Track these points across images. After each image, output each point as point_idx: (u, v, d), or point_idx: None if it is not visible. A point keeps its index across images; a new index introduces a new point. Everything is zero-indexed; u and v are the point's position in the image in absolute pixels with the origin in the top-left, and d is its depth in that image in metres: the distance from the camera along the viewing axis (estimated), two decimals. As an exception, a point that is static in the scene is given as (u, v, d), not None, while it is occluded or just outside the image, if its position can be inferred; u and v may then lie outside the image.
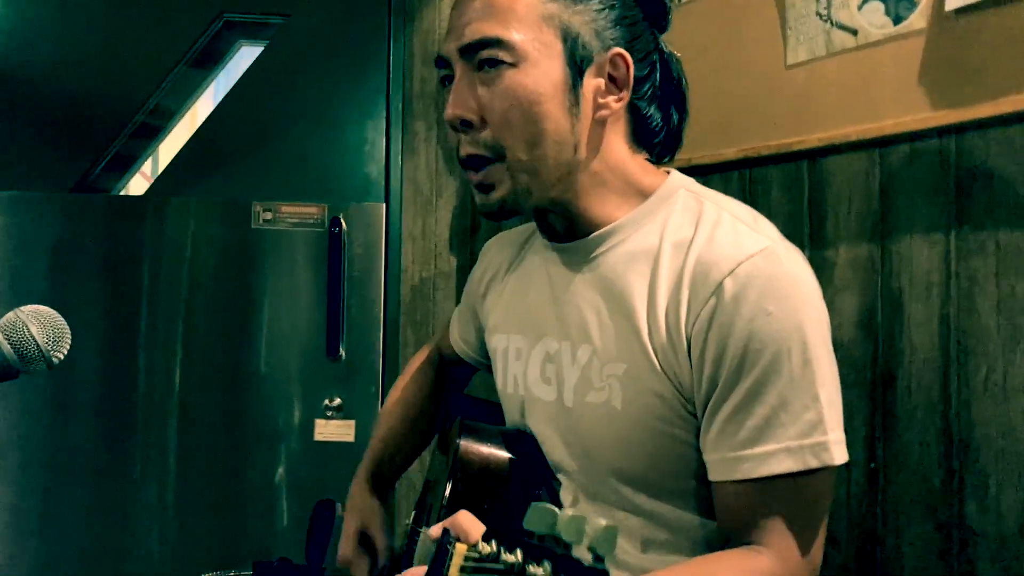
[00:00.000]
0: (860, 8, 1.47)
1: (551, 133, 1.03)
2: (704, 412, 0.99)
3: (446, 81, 1.09)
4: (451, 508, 1.09)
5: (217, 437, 2.44)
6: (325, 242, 2.45)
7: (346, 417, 2.45)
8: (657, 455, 1.03)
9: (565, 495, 1.11)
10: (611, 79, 1.06)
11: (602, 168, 1.08)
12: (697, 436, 1.01)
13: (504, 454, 1.14)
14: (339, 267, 2.44)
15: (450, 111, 1.04)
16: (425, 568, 0.87)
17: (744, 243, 0.98)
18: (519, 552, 0.63)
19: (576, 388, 1.08)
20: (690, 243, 1.01)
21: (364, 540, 1.33)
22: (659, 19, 1.12)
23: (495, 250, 1.35)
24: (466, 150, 1.06)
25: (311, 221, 2.46)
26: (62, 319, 0.87)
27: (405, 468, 1.48)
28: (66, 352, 0.87)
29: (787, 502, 0.95)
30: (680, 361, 0.99)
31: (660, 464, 1.03)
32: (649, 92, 1.11)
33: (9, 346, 0.84)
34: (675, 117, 1.15)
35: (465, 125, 1.04)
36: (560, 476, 1.13)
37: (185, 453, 2.44)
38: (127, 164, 2.55)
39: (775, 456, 0.95)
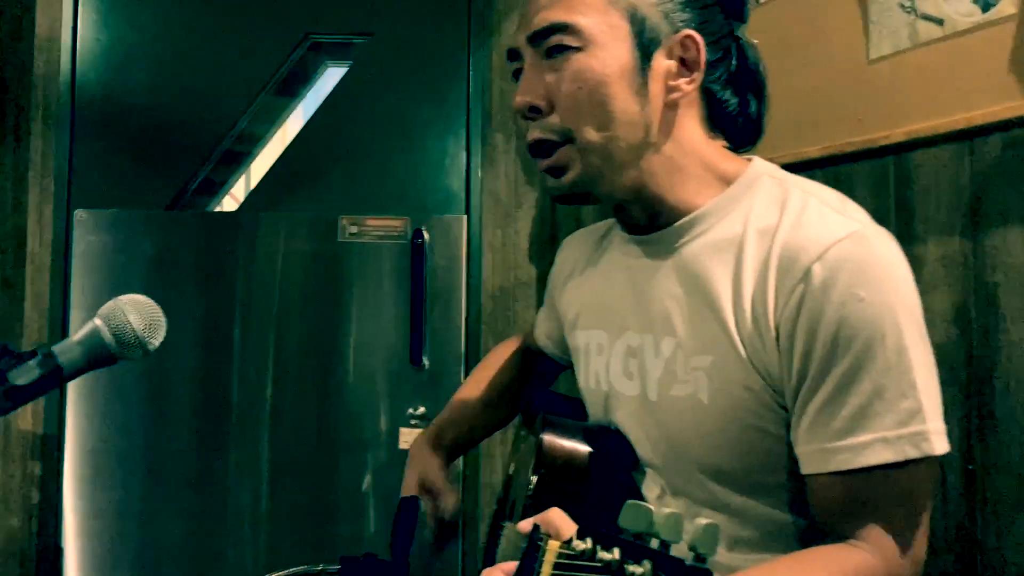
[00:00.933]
0: (946, -3, 1.43)
1: (619, 115, 1.02)
2: (795, 403, 0.96)
3: (517, 74, 1.10)
4: (535, 502, 1.08)
5: (307, 445, 2.50)
6: (408, 254, 2.49)
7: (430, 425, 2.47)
8: (745, 449, 1.00)
9: (650, 491, 1.10)
10: (682, 62, 1.05)
11: (677, 152, 1.06)
12: (787, 429, 0.98)
13: (586, 449, 1.13)
14: (421, 278, 2.48)
15: (519, 98, 1.04)
16: (515, 564, 0.87)
17: (832, 227, 0.95)
18: (616, 551, 0.62)
19: (660, 381, 1.06)
20: (775, 230, 0.98)
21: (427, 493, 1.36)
22: (733, 6, 1.11)
23: (572, 247, 1.35)
24: (534, 135, 1.05)
25: (395, 234, 2.51)
26: (159, 309, 0.91)
27: (470, 443, 1.47)
28: (161, 340, 0.91)
29: (885, 495, 0.92)
30: (768, 351, 0.97)
31: (748, 459, 1.01)
32: (724, 76, 1.10)
33: (109, 332, 0.88)
34: (753, 104, 1.13)
35: (534, 111, 1.04)
36: (650, 471, 1.11)
37: (277, 460, 2.50)
38: (219, 183, 2.65)
39: (871, 447, 0.91)
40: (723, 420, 1.00)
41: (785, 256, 0.96)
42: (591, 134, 1.02)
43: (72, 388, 2.48)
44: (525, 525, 0.86)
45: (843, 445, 0.92)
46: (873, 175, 1.57)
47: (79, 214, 2.50)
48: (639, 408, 1.10)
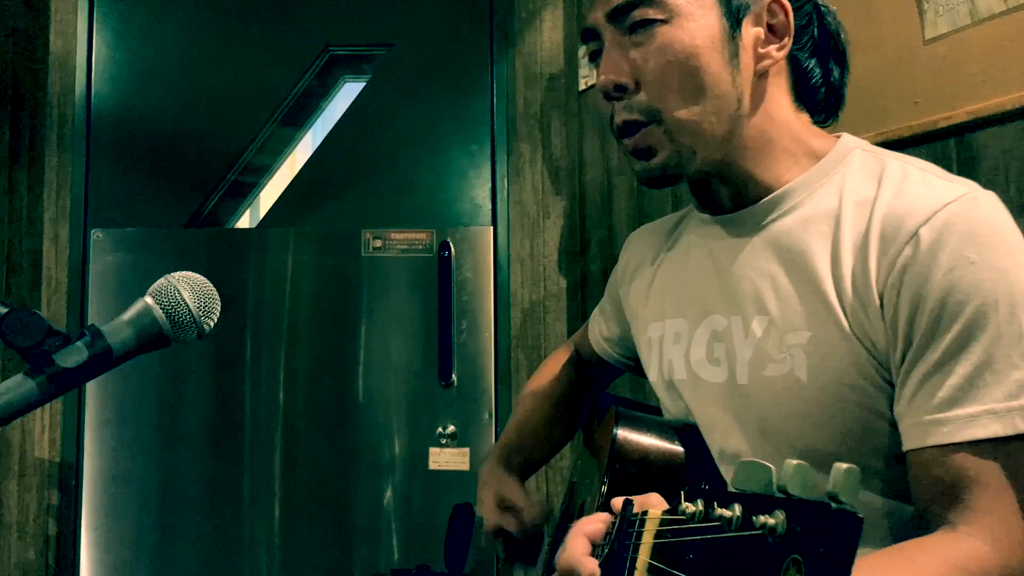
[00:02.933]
0: (1008, -31, 1.38)
1: (711, 87, 0.97)
2: (899, 373, 0.90)
3: (594, 56, 1.04)
4: (609, 499, 1.02)
5: (331, 467, 2.42)
6: (434, 267, 2.43)
7: (460, 445, 2.39)
8: (846, 429, 0.93)
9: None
10: (770, 28, 1.01)
11: (767, 125, 1.02)
12: (892, 407, 0.91)
13: (664, 444, 1.06)
14: (449, 292, 2.41)
15: (603, 77, 0.99)
16: (599, 527, 0.80)
17: (940, 191, 0.90)
18: (737, 507, 0.55)
19: (752, 363, 0.99)
20: (874, 201, 0.93)
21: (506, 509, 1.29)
22: None
23: (639, 241, 1.29)
24: (621, 116, 1.00)
25: (420, 247, 2.44)
26: (212, 286, 0.84)
27: (537, 464, 1.40)
28: (216, 320, 0.84)
29: (995, 472, 0.84)
30: (872, 321, 0.90)
31: (848, 439, 0.94)
32: (809, 44, 1.05)
33: (161, 311, 0.81)
34: (835, 72, 1.08)
35: (619, 90, 0.99)
36: (725, 466, 1.04)
37: (299, 483, 2.42)
38: (238, 199, 2.59)
39: (978, 419, 0.84)
40: (823, 398, 0.94)
41: (889, 224, 0.91)
42: (680, 112, 0.97)
43: (89, 413, 2.40)
44: (617, 502, 0.81)
45: (948, 416, 0.85)
46: (934, 157, 1.50)
47: (96, 234, 2.44)
48: (726, 394, 1.03)
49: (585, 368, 1.44)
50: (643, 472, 1.06)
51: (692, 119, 0.97)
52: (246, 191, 2.60)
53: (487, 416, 2.41)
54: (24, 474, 2.39)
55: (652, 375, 1.17)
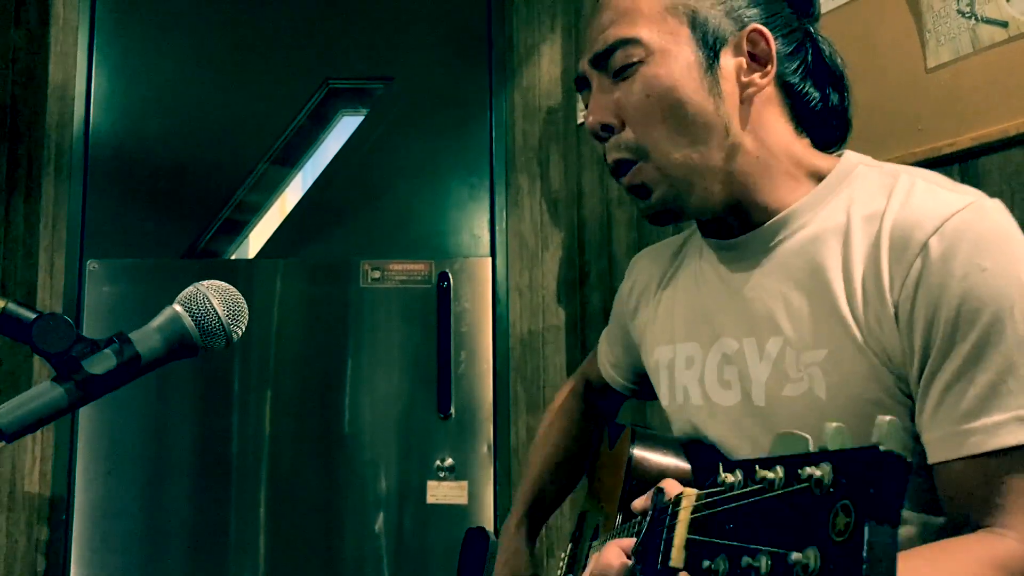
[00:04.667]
0: (1009, 0, 1.41)
1: (694, 117, 0.99)
2: (918, 385, 0.90)
3: (587, 101, 1.06)
4: (627, 518, 1.01)
5: (325, 501, 2.38)
6: (432, 298, 2.42)
7: (459, 478, 2.37)
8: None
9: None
10: (752, 57, 1.03)
11: (763, 151, 1.02)
12: (913, 420, 0.91)
13: (681, 463, 1.06)
14: (448, 323, 2.40)
15: (590, 118, 1.02)
16: (631, 539, 0.80)
17: (947, 200, 0.90)
18: (779, 468, 0.54)
19: (768, 384, 0.99)
20: (883, 213, 0.93)
21: None
22: (800, 3, 1.09)
23: (644, 263, 1.29)
24: (612, 156, 1.02)
25: (418, 278, 2.44)
26: (239, 294, 0.83)
27: (556, 507, 1.41)
28: (244, 329, 0.83)
29: None
30: (887, 334, 0.90)
31: None
32: (801, 68, 1.06)
33: (191, 319, 0.80)
34: (834, 97, 1.09)
35: (606, 130, 1.02)
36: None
37: (290, 518, 2.37)
38: (236, 230, 2.58)
39: (1005, 426, 0.84)
40: (843, 415, 0.93)
41: (898, 234, 0.91)
42: (666, 145, 0.99)
43: (80, 447, 2.36)
44: (640, 501, 0.81)
45: (975, 427, 0.85)
46: (938, 184, 1.52)
47: (91, 264, 2.42)
48: (742, 416, 1.03)
49: (594, 396, 1.44)
50: (659, 489, 1.05)
51: (679, 150, 0.99)
52: (244, 222, 2.59)
53: (486, 448, 2.39)
54: (13, 508, 2.34)
55: (663, 399, 1.17)
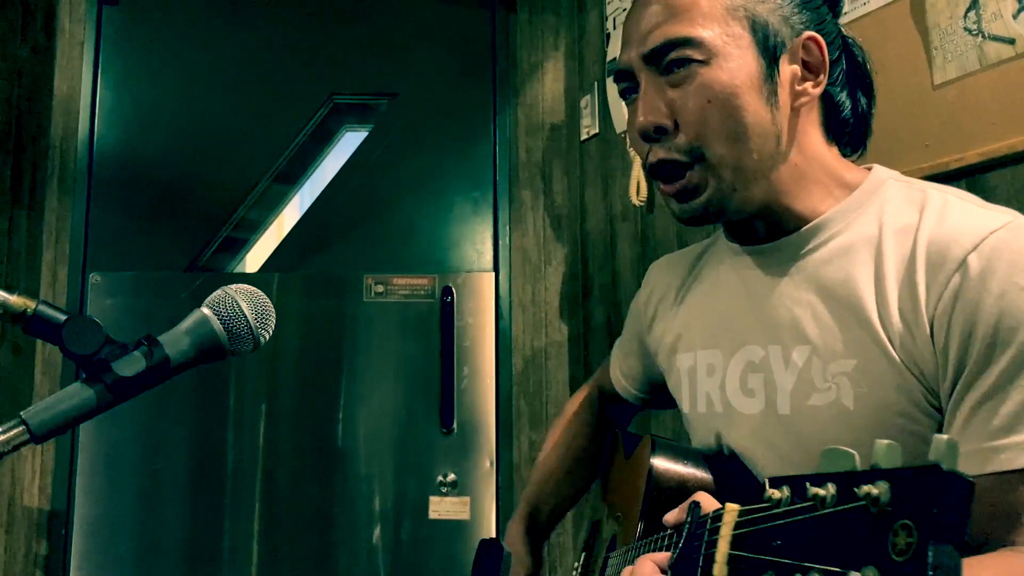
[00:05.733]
0: (1016, 16, 1.43)
1: (753, 126, 0.97)
2: (949, 401, 0.89)
3: (626, 94, 1.05)
4: (648, 534, 1.01)
5: (325, 517, 2.37)
6: (436, 313, 2.42)
7: (461, 493, 2.36)
8: None
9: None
10: (805, 65, 1.02)
11: (802, 160, 1.02)
12: (941, 432, 0.91)
13: (702, 473, 1.05)
14: (451, 338, 2.40)
15: (641, 119, 0.99)
16: (666, 554, 0.79)
17: (983, 219, 0.90)
18: (831, 485, 0.54)
19: (794, 393, 0.98)
20: (917, 228, 0.93)
21: None
22: (833, 1, 1.09)
23: (662, 271, 1.28)
24: (658, 155, 1.00)
25: (421, 292, 2.44)
26: (267, 297, 0.83)
27: (564, 513, 1.39)
28: (271, 332, 0.83)
29: None
30: (921, 348, 0.90)
31: None
32: (840, 77, 1.06)
33: (219, 322, 0.80)
34: (863, 101, 1.10)
35: (659, 132, 0.99)
36: (770, 496, 1.03)
37: (291, 533, 2.36)
38: (240, 244, 2.58)
39: None
40: (871, 426, 0.93)
41: (935, 249, 0.91)
42: (722, 149, 0.97)
43: (80, 460, 2.35)
44: (673, 514, 0.81)
45: (1006, 443, 0.85)
46: (946, 199, 1.53)
47: (94, 277, 2.41)
48: (765, 425, 1.02)
49: (607, 405, 1.43)
50: (681, 500, 1.05)
51: (733, 158, 0.97)
52: (247, 236, 2.58)
53: (488, 464, 2.38)
54: (12, 523, 2.32)
55: (684, 406, 1.16)
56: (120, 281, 2.43)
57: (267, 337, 0.83)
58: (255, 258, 2.65)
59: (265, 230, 2.62)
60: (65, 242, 2.43)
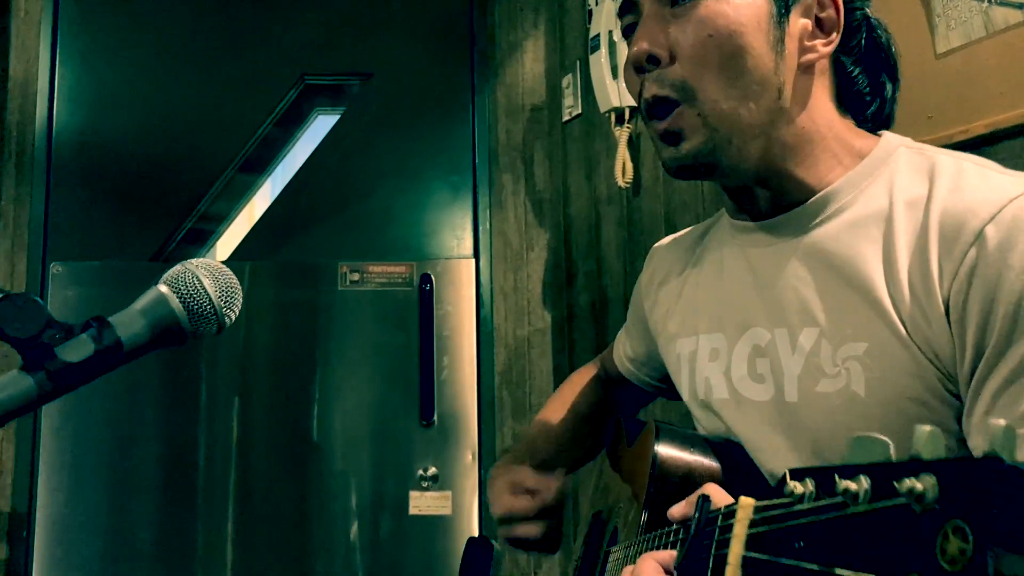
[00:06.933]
0: (1025, -20, 1.36)
1: (752, 71, 0.91)
2: (968, 386, 0.83)
3: (628, 31, 0.98)
4: (652, 526, 0.93)
5: (301, 514, 2.28)
6: (414, 301, 2.34)
7: (442, 488, 2.28)
8: (910, 447, 0.86)
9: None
10: (818, 22, 0.96)
11: (809, 124, 0.96)
12: (959, 422, 0.84)
13: (710, 462, 0.99)
14: (430, 327, 2.32)
15: (636, 47, 0.93)
16: (671, 552, 0.72)
17: (1001, 185, 0.83)
18: (864, 479, 0.46)
19: (802, 378, 0.92)
20: (928, 199, 0.87)
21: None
22: None
23: (663, 253, 1.22)
24: (650, 90, 0.93)
25: (399, 280, 2.35)
26: (232, 274, 0.74)
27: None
28: (238, 311, 0.74)
29: None
30: (936, 329, 0.83)
31: None
32: (856, 50, 1.00)
33: (178, 301, 0.71)
34: (888, 87, 1.03)
35: (652, 61, 0.93)
36: (777, 488, 0.96)
37: (264, 531, 2.27)
38: (208, 231, 2.49)
39: None
40: (885, 413, 0.86)
41: (948, 221, 0.84)
42: (716, 92, 0.91)
43: (42, 457, 2.24)
44: (679, 508, 0.75)
45: None
46: (951, 173, 1.47)
47: (55, 267, 2.31)
48: (774, 413, 0.95)
49: (612, 389, 1.35)
50: (687, 490, 0.98)
51: (729, 101, 0.91)
52: (215, 222, 2.49)
53: (470, 457, 2.30)
54: (-29, 525, 2.21)
55: (684, 394, 1.10)
56: (82, 271, 2.33)
57: (232, 318, 0.74)
58: (224, 247, 2.56)
59: (235, 217, 2.53)
60: (24, 231, 2.32)
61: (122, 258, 2.37)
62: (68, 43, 2.44)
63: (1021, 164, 1.38)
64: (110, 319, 0.70)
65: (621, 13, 0.99)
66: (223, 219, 2.50)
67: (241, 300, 0.74)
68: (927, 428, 0.46)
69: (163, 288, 0.72)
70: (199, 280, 0.72)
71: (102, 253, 2.37)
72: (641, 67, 0.93)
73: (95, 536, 2.25)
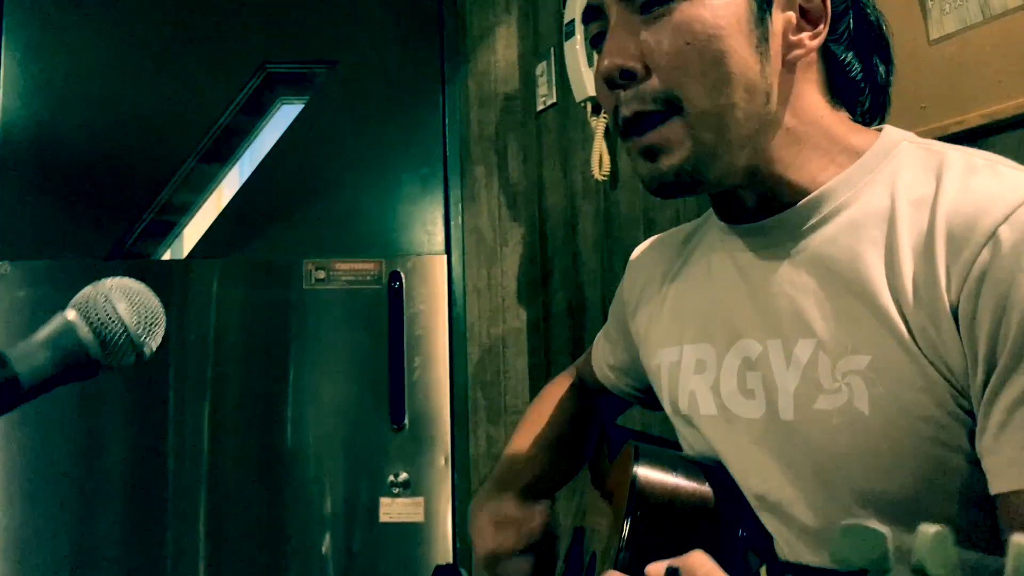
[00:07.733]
0: (1024, -39, 1.29)
1: (738, 76, 0.84)
2: (981, 400, 0.76)
3: (596, 40, 0.91)
4: (633, 552, 0.86)
5: (266, 523, 2.21)
6: (383, 300, 2.26)
7: (414, 494, 2.20)
8: (919, 469, 0.78)
9: (781, 534, 0.87)
10: (803, 13, 0.88)
11: (796, 123, 0.89)
12: (972, 441, 0.77)
13: (693, 485, 0.91)
14: (400, 327, 2.24)
15: (606, 61, 0.86)
16: None
17: (1016, 182, 0.77)
18: None
19: (797, 395, 0.85)
20: (934, 198, 0.80)
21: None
22: None
23: (647, 256, 1.14)
24: (630, 108, 0.86)
25: (367, 278, 2.27)
26: (153, 295, 0.65)
27: (538, 494, 1.22)
28: (159, 340, 0.65)
29: None
30: (945, 339, 0.76)
31: (923, 481, 0.79)
32: (845, 35, 0.92)
33: (88, 329, 0.62)
34: (881, 69, 0.96)
35: (626, 76, 0.85)
36: (766, 514, 0.88)
37: (229, 540, 2.19)
38: (166, 229, 2.40)
39: None
40: (891, 433, 0.79)
41: (957, 223, 0.77)
42: (702, 99, 0.83)
43: (-7, 469, 2.14)
44: (655, 569, 0.69)
45: None
46: (945, 167, 1.40)
47: (3, 266, 2.23)
48: (766, 432, 0.88)
49: (590, 397, 1.27)
50: (669, 518, 0.90)
51: (716, 111, 0.83)
52: (175, 219, 2.41)
53: (443, 461, 2.23)
54: (-85, 540, 2.11)
55: (666, 406, 1.02)
56: (33, 271, 2.23)
57: (153, 347, 0.64)
58: (184, 243, 2.47)
59: (194, 213, 2.44)
60: (-32, 229, 2.21)
61: (77, 256, 2.27)
62: (14, 29, 2.34)
63: (1019, 157, 1.31)
64: (7, 352, 0.60)
65: (586, 20, 0.91)
66: (181, 216, 2.41)
67: (164, 325, 0.65)
68: (932, 529, 0.39)
69: (70, 314, 0.63)
70: (112, 304, 0.63)
71: (55, 251, 2.27)
72: (614, 82, 0.86)
73: (56, 549, 2.16)
